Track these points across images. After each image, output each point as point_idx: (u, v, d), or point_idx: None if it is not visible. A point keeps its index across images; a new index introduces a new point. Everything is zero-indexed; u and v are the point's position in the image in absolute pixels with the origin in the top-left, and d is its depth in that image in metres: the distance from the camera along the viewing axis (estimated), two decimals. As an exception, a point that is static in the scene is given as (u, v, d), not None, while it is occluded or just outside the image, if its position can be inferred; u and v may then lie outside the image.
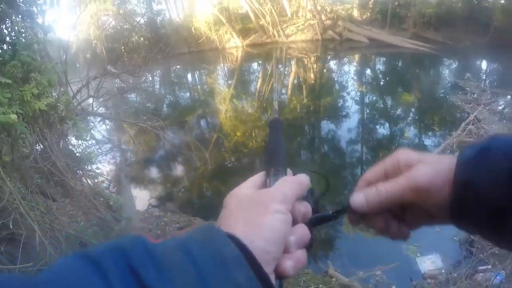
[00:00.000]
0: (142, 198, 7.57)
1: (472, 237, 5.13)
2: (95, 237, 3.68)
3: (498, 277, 4.22)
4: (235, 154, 9.60)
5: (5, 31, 3.53)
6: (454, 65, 18.39)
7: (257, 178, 0.66)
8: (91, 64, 10.15)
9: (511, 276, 4.29)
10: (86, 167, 4.38)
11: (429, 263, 4.95)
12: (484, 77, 15.09)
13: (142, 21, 25.22)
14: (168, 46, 22.26)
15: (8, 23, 3.71)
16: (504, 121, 8.95)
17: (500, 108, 9.97)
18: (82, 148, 5.15)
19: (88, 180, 4.28)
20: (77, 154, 4.55)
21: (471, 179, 0.52)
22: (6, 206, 2.50)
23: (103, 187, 5.24)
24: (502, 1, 20.57)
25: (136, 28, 23.29)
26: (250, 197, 0.55)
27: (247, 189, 0.61)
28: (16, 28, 3.63)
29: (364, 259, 5.20)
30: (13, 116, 2.68)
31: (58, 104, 3.63)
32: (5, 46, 3.38)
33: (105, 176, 6.30)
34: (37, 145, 3.55)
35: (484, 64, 18.72)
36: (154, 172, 9.35)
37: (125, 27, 23.17)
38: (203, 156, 8.50)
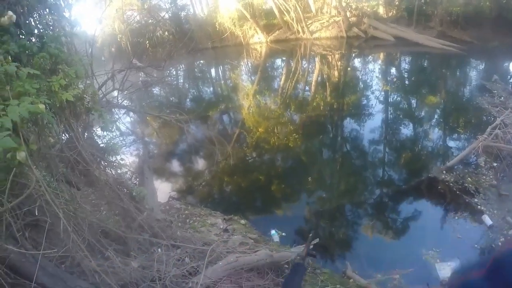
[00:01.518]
0: (163, 190, 7.70)
1: (493, 245, 5.02)
2: (117, 226, 3.74)
3: None
4: (256, 150, 9.60)
5: (33, 23, 3.61)
6: (481, 66, 17.72)
7: None
8: (116, 57, 10.34)
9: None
10: (110, 157, 4.46)
11: (448, 270, 4.77)
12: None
13: (166, 16, 25.50)
14: (192, 41, 22.45)
15: (35, 16, 3.81)
16: None
17: None
18: (107, 139, 5.24)
19: (112, 170, 4.36)
20: (102, 145, 4.63)
21: None
22: (32, 193, 2.56)
23: (126, 178, 5.33)
24: None
25: (161, 23, 23.54)
26: None
27: None
28: (44, 21, 3.71)
29: (383, 262, 5.09)
30: (41, 106, 2.74)
31: (85, 95, 3.70)
32: (33, 39, 3.45)
33: (128, 167, 6.41)
34: (63, 135, 3.64)
35: None
36: (176, 165, 9.47)
37: (149, 21, 23.50)
38: (225, 150, 8.54)
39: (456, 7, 21.06)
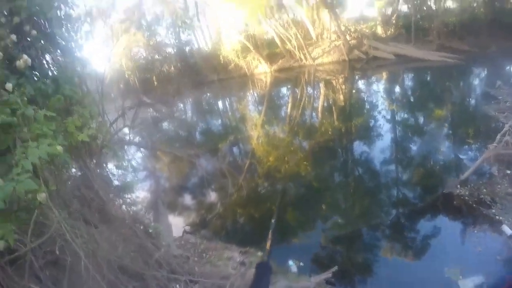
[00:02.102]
0: (177, 224, 7.64)
1: None
2: (135, 263, 3.72)
3: None
4: (268, 179, 9.53)
5: (46, 66, 3.75)
6: (483, 74, 17.83)
7: None
8: (125, 94, 10.57)
9: None
10: (125, 195, 4.48)
11: (471, 286, 4.63)
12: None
13: (171, 51, 26.24)
14: (198, 74, 23.01)
15: (48, 58, 3.96)
16: None
17: None
18: (120, 176, 5.30)
19: (128, 207, 4.37)
20: (116, 182, 4.68)
21: None
22: (52, 232, 2.58)
23: (141, 215, 5.33)
24: None
25: (167, 58, 24.19)
26: None
27: None
28: (56, 63, 3.85)
29: (405, 284, 4.95)
30: (59, 148, 2.82)
31: (99, 135, 3.78)
32: (47, 81, 3.58)
33: (142, 203, 6.42)
34: (79, 173, 3.70)
35: None
36: (188, 199, 9.43)
37: (155, 57, 24.18)
38: (237, 182, 8.51)
39: (452, 18, 21.41)
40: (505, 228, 5.49)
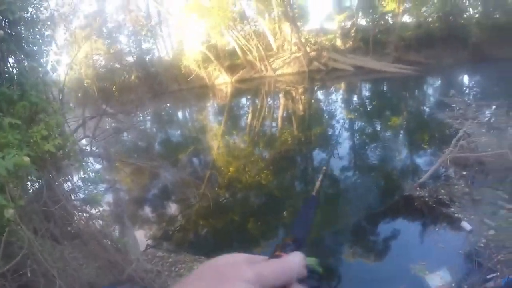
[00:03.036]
0: (140, 238, 7.33)
1: (476, 248, 5.18)
2: (107, 279, 3.50)
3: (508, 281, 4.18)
4: (229, 189, 9.44)
5: (12, 70, 3.47)
6: (438, 84, 19.06)
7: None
8: (83, 102, 10.10)
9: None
10: (93, 210, 4.23)
11: (438, 280, 4.86)
12: (467, 91, 15.63)
13: (132, 60, 25.60)
14: (159, 84, 22.57)
15: (13, 62, 3.67)
16: (492, 131, 9.17)
17: (486, 119, 10.25)
18: (84, 189, 4.99)
19: (96, 223, 4.12)
20: (82, 195, 4.40)
21: None
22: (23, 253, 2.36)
23: (109, 229, 5.06)
24: (476, 16, 21.70)
25: (127, 67, 23.58)
26: (216, 268, 0.50)
27: (223, 259, 0.54)
28: (21, 67, 3.58)
29: (374, 284, 5.05)
30: (26, 159, 2.59)
31: (66, 145, 3.55)
32: (13, 86, 3.30)
33: (108, 217, 6.11)
34: (45, 187, 3.44)
35: (466, 79, 19.57)
36: (151, 212, 9.12)
37: (116, 66, 23.47)
38: (199, 193, 8.36)
39: (408, 32, 22.67)
40: (464, 224, 5.84)
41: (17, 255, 2.27)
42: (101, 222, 4.46)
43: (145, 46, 27.35)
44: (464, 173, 7.38)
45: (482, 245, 5.27)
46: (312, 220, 0.80)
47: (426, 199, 6.84)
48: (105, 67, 23.75)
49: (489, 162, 7.34)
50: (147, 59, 27.45)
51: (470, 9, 22.97)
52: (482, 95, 13.63)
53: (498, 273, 4.55)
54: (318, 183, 1.01)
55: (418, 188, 7.20)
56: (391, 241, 6.21)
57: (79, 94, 18.31)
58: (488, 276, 4.55)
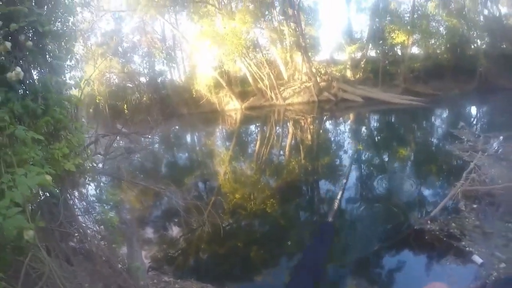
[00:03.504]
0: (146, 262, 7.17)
1: (487, 281, 5.11)
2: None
3: None
4: (234, 216, 9.32)
5: (37, 82, 3.47)
6: (446, 115, 19.02)
7: None
8: (93, 119, 10.14)
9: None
10: (105, 230, 4.14)
11: None
12: (476, 122, 15.58)
13: (144, 80, 25.99)
14: (169, 106, 22.79)
15: (37, 75, 3.68)
16: (502, 162, 9.17)
17: (494, 151, 10.22)
18: (100, 209, 4.91)
19: (107, 244, 4.02)
20: (97, 217, 4.32)
21: None
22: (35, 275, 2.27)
23: (120, 252, 4.94)
24: (484, 47, 21.97)
25: (139, 87, 23.89)
26: None
27: None
28: (48, 81, 3.58)
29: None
30: (49, 178, 2.54)
31: (86, 165, 3.51)
32: (38, 100, 3.28)
33: (119, 239, 5.99)
34: (62, 207, 3.36)
35: (474, 110, 19.62)
36: (154, 234, 8.99)
37: (128, 85, 23.79)
38: (204, 218, 8.24)
39: (417, 63, 22.96)
40: (476, 258, 5.77)
41: (32, 278, 2.18)
42: (113, 244, 4.36)
43: (158, 68, 27.95)
44: (475, 206, 7.35)
45: (493, 278, 5.23)
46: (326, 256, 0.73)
47: (437, 232, 6.75)
48: (118, 86, 24.12)
49: (499, 194, 7.30)
50: (159, 81, 27.93)
51: (478, 40, 23.29)
52: (490, 126, 13.64)
53: None
54: (335, 208, 0.92)
55: (429, 222, 7.11)
56: (401, 275, 6.07)
57: (91, 110, 18.54)
58: None
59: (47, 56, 3.65)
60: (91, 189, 4.30)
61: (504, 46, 21.35)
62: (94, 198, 3.98)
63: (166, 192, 8.50)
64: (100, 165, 8.05)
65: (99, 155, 7.88)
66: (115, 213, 7.99)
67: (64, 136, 3.29)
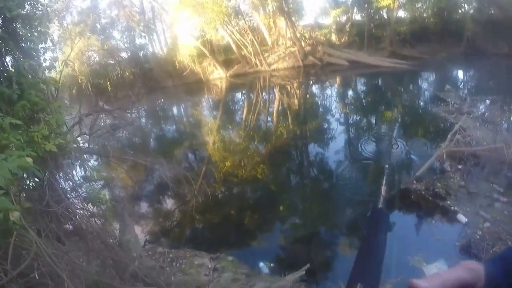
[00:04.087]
0: (140, 235, 7.34)
1: (472, 240, 5.31)
2: (111, 278, 3.51)
3: None
4: (226, 184, 9.49)
5: (10, 69, 3.42)
6: (433, 78, 19.17)
7: None
8: (77, 99, 10.02)
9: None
10: (94, 208, 4.22)
11: (435, 270, 4.94)
12: (462, 86, 15.78)
13: (126, 55, 25.42)
14: (153, 80, 22.45)
15: (10, 61, 3.63)
16: (487, 125, 9.36)
17: (480, 113, 10.39)
18: (87, 187, 4.97)
19: (98, 221, 4.12)
20: (83, 193, 4.38)
21: None
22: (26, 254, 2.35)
23: (111, 227, 5.07)
24: (471, 11, 21.80)
25: (121, 63, 23.41)
26: None
27: None
28: (20, 66, 3.53)
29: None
30: (29, 160, 2.57)
31: (67, 144, 3.53)
32: (12, 86, 3.26)
33: (109, 215, 6.10)
34: (47, 188, 3.41)
35: (461, 73, 19.76)
36: (150, 208, 9.14)
37: (109, 62, 23.31)
38: (195, 188, 8.37)
39: (403, 27, 22.77)
40: (460, 216, 5.99)
41: (24, 258, 2.26)
42: (102, 220, 4.46)
43: (139, 42, 27.18)
44: (460, 166, 7.52)
45: (478, 237, 5.40)
46: (384, 249, 0.86)
47: (423, 192, 6.94)
48: (99, 64, 23.60)
49: (484, 156, 7.49)
50: (141, 54, 27.24)
51: (465, 5, 23.05)
52: (477, 89, 13.76)
53: None
54: (383, 190, 0.93)
55: (414, 182, 7.28)
56: (388, 233, 6.31)
57: (74, 91, 18.21)
58: None
59: (20, 41, 3.58)
60: (78, 169, 4.32)
61: (492, 11, 21.13)
62: (81, 178, 4.02)
63: (155, 166, 8.56)
64: (86, 145, 8.05)
65: (85, 135, 7.85)
66: (106, 190, 8.12)
67: (42, 118, 3.28)
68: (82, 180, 4.28)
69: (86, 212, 4.00)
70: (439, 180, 7.21)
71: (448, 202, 6.47)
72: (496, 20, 19.48)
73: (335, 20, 26.40)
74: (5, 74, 3.28)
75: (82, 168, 3.67)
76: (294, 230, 6.94)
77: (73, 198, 3.71)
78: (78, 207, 3.73)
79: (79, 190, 4.21)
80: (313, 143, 11.78)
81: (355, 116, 14.55)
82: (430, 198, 6.73)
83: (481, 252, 5.00)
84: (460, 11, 23.06)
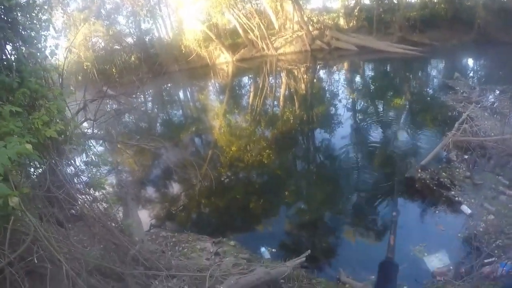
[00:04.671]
0: (144, 219, 7.44)
1: (475, 232, 5.25)
2: (112, 262, 3.59)
3: (504, 268, 4.25)
4: (232, 169, 9.52)
5: (10, 57, 3.45)
6: (442, 65, 18.89)
7: None
8: (83, 85, 10.06)
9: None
10: (96, 192, 4.28)
11: (436, 261, 4.96)
12: (472, 75, 15.52)
13: (131, 41, 25.33)
14: (159, 64, 22.38)
15: (11, 49, 3.64)
16: (495, 115, 9.15)
17: (489, 103, 10.15)
18: (88, 171, 5.04)
19: (100, 206, 4.19)
20: (85, 179, 4.45)
21: None
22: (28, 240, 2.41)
23: (113, 211, 5.15)
24: None
25: (126, 48, 23.36)
26: None
27: None
28: (19, 54, 3.56)
29: (374, 263, 5.13)
30: (29, 146, 2.61)
31: (67, 130, 3.57)
32: (11, 74, 3.29)
33: (112, 199, 6.19)
34: (48, 173, 3.47)
35: (471, 62, 19.34)
36: (154, 192, 9.22)
37: (115, 47, 23.28)
38: (201, 172, 8.43)
39: (413, 12, 22.31)
40: (464, 208, 5.93)
41: (24, 242, 2.32)
42: (105, 205, 4.53)
43: (144, 26, 26.99)
44: (466, 157, 7.40)
45: (481, 229, 5.35)
46: None
47: (428, 181, 6.90)
48: (105, 49, 23.60)
49: (491, 147, 7.33)
50: (146, 39, 27.09)
51: None
52: (486, 79, 13.44)
53: (496, 258, 4.63)
54: (391, 241, 0.86)
55: (419, 170, 7.23)
56: (392, 221, 6.31)
57: (79, 77, 18.27)
58: (485, 261, 4.64)
59: (19, 29, 3.58)
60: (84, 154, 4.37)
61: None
62: (84, 163, 4.07)
63: (161, 150, 8.61)
64: (90, 131, 8.13)
65: (90, 121, 7.91)
66: (111, 175, 8.22)
67: (43, 105, 3.32)
68: (84, 166, 4.33)
69: (88, 197, 4.07)
70: (445, 169, 7.14)
71: (453, 192, 6.42)
72: (508, 8, 18.93)
73: (344, 4, 25.88)
74: (5, 63, 3.29)
75: (85, 154, 3.71)
76: (298, 216, 6.99)
77: (75, 184, 3.76)
78: (81, 192, 3.79)
79: (81, 175, 4.28)
80: (320, 128, 11.73)
81: (362, 102, 14.40)
82: (434, 187, 6.69)
83: (484, 244, 4.95)
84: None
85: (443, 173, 7.01)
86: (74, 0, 21.14)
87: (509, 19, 18.14)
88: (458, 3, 21.66)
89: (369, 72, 20.39)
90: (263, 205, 7.62)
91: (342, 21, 25.67)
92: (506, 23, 18.31)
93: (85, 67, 19.76)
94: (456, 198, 6.23)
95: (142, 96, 20.33)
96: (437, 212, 6.10)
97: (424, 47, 19.46)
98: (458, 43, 19.85)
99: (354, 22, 25.16)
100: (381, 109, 12.98)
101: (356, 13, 25.18)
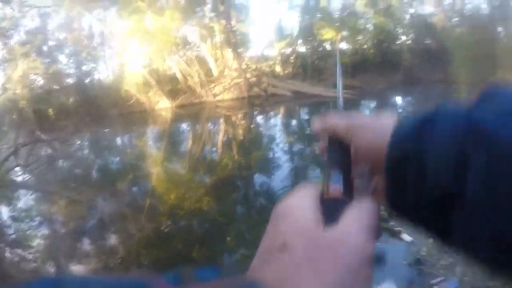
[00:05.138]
0: (79, 272, 7.00)
1: (418, 256, 5.55)
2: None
3: (453, 284, 4.57)
4: (171, 217, 9.28)
5: None
6: (372, 105, 20.55)
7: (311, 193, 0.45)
8: (16, 126, 9.51)
9: (463, 281, 4.70)
10: (23, 251, 4.01)
11: None
12: (401, 111, 17.09)
13: (71, 81, 24.53)
14: (98, 108, 21.80)
15: None
16: None
17: None
18: (14, 225, 4.70)
19: (27, 264, 3.93)
20: (13, 236, 4.16)
21: (408, 157, 0.42)
22: None
23: (44, 271, 4.78)
24: (409, 42, 23.94)
25: (65, 89, 22.54)
26: (323, 243, 0.36)
27: (309, 221, 0.39)
28: None
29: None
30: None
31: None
32: None
33: (41, 256, 5.76)
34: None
35: (398, 100, 21.36)
36: (88, 245, 8.68)
37: (54, 87, 22.37)
38: (140, 222, 8.19)
39: (345, 58, 24.38)
40: (405, 236, 6.24)
41: None
42: (34, 264, 4.24)
43: (85, 67, 26.28)
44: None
45: (424, 253, 5.67)
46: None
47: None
48: (43, 88, 22.53)
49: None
50: (87, 81, 26.29)
51: (403, 37, 25.25)
52: (413, 113, 14.90)
53: (442, 277, 4.94)
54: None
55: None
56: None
57: (14, 116, 17.11)
58: (432, 281, 4.93)
59: None
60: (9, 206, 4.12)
61: (429, 41, 23.28)
62: (9, 217, 3.83)
63: (97, 199, 8.28)
64: (22, 177, 7.67)
65: (21, 166, 7.50)
66: (43, 228, 7.64)
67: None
68: (11, 221, 4.07)
69: (15, 255, 3.82)
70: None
71: (391, 223, 6.56)
72: (432, 50, 21.52)
73: (280, 52, 27.47)
74: None
75: (13, 208, 3.51)
76: (242, 262, 6.98)
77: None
78: (7, 250, 3.57)
79: (6, 232, 4.01)
80: (259, 172, 12.00)
81: (299, 145, 15.08)
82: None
83: (429, 267, 5.25)
84: (398, 42, 25.16)
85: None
86: (17, 33, 20.24)
87: (432, 60, 20.56)
88: (386, 47, 24.14)
89: (304, 116, 21.55)
90: (206, 253, 7.47)
91: (278, 68, 27.11)
92: (430, 63, 20.70)
93: (20, 106, 18.62)
94: (396, 228, 6.46)
95: (79, 142, 19.46)
96: (378, 244, 6.39)
97: (355, 90, 21.17)
98: (386, 84, 21.91)
99: (290, 69, 26.74)
100: (318, 151, 13.60)
101: (292, 61, 26.85)
